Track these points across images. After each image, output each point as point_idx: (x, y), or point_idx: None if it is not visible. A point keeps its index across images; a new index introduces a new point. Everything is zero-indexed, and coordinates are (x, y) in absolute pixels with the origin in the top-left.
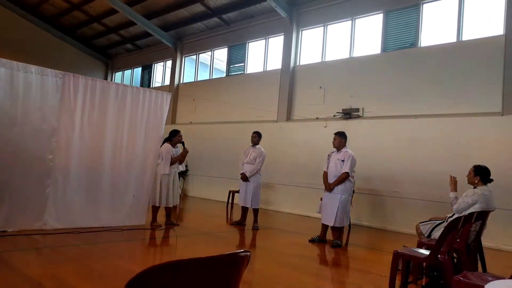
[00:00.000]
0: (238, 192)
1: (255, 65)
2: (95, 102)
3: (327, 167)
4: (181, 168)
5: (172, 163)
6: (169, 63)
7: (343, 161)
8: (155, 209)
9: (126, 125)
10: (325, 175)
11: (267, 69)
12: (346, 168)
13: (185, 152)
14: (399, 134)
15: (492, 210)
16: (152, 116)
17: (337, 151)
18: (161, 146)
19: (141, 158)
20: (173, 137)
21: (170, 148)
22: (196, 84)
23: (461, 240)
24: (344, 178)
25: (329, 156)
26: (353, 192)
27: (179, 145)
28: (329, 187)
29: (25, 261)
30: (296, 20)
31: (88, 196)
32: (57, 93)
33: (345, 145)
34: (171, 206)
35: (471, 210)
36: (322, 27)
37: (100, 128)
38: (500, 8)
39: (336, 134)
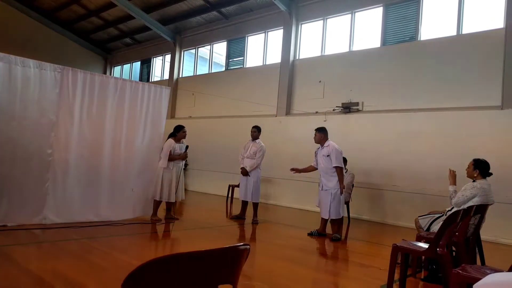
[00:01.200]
0: (237, 186)
1: (255, 59)
2: (94, 96)
3: (316, 163)
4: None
5: (171, 159)
6: (168, 57)
7: (328, 156)
8: (156, 203)
9: (125, 119)
10: (309, 168)
11: (267, 63)
12: (335, 163)
13: (184, 156)
14: (398, 128)
15: (491, 204)
16: (151, 111)
17: (321, 147)
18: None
19: (140, 152)
20: (177, 133)
21: (172, 143)
22: (195, 78)
23: (460, 234)
24: (340, 172)
25: (315, 153)
26: (353, 186)
27: (185, 141)
28: (342, 189)
29: (25, 255)
30: (295, 14)
31: (88, 190)
32: (55, 87)
33: (327, 139)
34: (173, 201)
35: (470, 203)
36: (322, 21)
37: (99, 122)
38: (500, 1)
39: (316, 130)
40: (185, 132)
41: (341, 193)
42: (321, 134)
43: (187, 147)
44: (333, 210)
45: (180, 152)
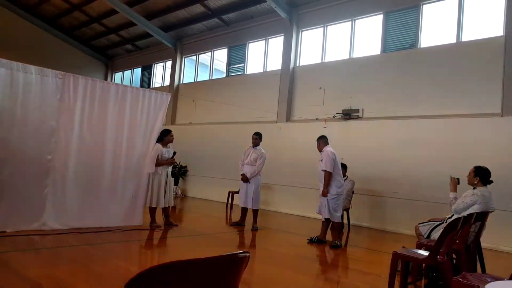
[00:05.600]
0: (237, 192)
1: (255, 65)
2: (95, 102)
3: None
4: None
5: (158, 165)
6: (169, 63)
7: (321, 160)
8: (152, 210)
9: (126, 125)
10: None
11: (267, 70)
12: (323, 166)
13: (171, 161)
14: (398, 135)
15: (492, 211)
16: (151, 117)
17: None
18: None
19: (140, 159)
20: (165, 137)
21: (159, 148)
22: (196, 84)
23: (460, 241)
24: (327, 176)
25: None
26: (353, 193)
27: (172, 145)
28: (324, 193)
29: (24, 261)
30: (296, 21)
31: (87, 197)
32: (57, 93)
33: (325, 145)
34: (162, 206)
35: (470, 211)
36: (322, 28)
37: (99, 128)
38: (500, 9)
39: (317, 139)
40: (172, 136)
41: (323, 195)
42: (319, 142)
43: (174, 153)
44: (326, 212)
45: (168, 157)
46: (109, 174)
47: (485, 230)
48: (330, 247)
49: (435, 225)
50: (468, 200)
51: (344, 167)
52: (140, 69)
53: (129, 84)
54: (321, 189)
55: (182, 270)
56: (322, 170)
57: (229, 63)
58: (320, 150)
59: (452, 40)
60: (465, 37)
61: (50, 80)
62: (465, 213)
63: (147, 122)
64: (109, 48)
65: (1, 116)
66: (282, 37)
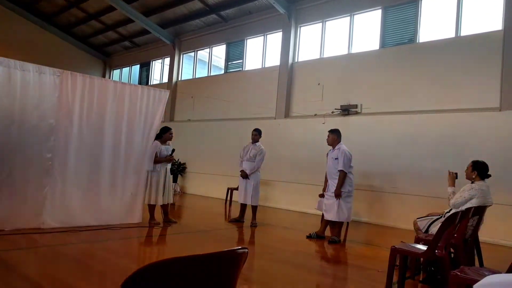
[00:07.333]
0: (236, 189)
1: (254, 62)
2: (93, 100)
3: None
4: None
5: (157, 162)
6: (167, 60)
7: (336, 159)
8: (151, 207)
9: (125, 123)
10: (326, 178)
11: (266, 66)
12: (340, 166)
13: (170, 159)
14: (397, 130)
15: (489, 205)
16: (150, 114)
17: (333, 149)
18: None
19: (139, 156)
20: (164, 134)
21: (158, 145)
22: (194, 81)
23: (458, 235)
24: (342, 177)
25: (327, 154)
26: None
27: (171, 143)
28: (337, 194)
29: (23, 260)
30: (294, 17)
31: (87, 195)
32: (55, 91)
33: (339, 142)
34: (161, 203)
35: (468, 205)
36: (321, 24)
37: (98, 126)
38: (499, 3)
39: (329, 131)
40: (171, 134)
41: (337, 198)
42: (334, 136)
43: (173, 150)
44: (338, 212)
45: (167, 154)
46: (108, 171)
47: (483, 224)
48: (328, 242)
49: (433, 219)
50: (466, 194)
51: None
52: (138, 66)
53: (127, 82)
54: (331, 186)
55: (181, 266)
56: (339, 170)
57: (227, 60)
58: (331, 144)
59: (451, 34)
60: (464, 32)
61: (48, 78)
62: (463, 207)
63: (146, 119)
64: (107, 45)
65: (0, 115)
66: (281, 33)
